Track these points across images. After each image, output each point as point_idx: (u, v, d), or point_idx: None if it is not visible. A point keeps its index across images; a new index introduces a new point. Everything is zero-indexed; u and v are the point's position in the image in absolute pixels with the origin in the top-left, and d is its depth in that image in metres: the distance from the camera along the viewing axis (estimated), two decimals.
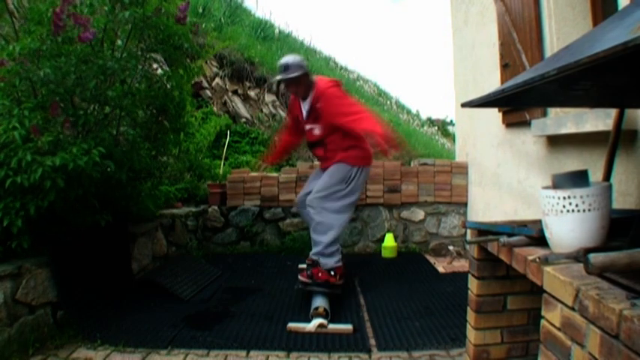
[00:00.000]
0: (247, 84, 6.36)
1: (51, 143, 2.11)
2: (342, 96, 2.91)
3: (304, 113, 2.97)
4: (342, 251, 3.12)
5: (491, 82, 3.28)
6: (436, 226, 4.24)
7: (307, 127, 2.99)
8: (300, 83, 2.87)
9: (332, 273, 2.79)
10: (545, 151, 2.64)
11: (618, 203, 1.85)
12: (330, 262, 2.82)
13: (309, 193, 2.99)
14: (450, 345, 2.26)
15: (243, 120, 5.91)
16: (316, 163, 4.22)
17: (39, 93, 2.30)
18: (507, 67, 2.98)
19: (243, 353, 2.20)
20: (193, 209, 4.07)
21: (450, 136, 10.39)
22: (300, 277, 2.80)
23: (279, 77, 2.88)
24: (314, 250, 2.86)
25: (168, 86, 2.96)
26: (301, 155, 5.65)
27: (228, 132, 5.38)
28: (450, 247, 4.12)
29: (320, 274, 2.76)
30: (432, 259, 3.92)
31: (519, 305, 1.80)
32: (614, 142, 1.73)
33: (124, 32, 2.63)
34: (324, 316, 2.49)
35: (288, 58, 2.87)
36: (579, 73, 0.90)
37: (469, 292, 1.86)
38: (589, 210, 1.21)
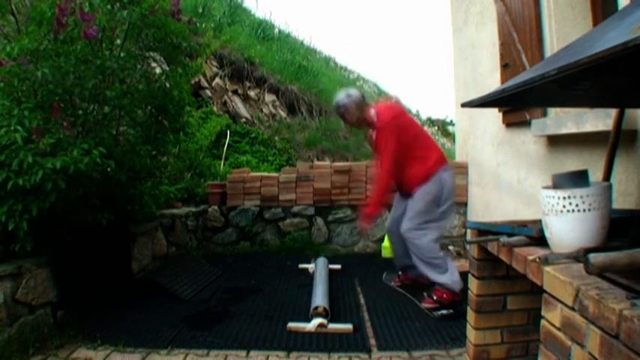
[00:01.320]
0: (247, 84, 6.36)
1: (52, 145, 2.11)
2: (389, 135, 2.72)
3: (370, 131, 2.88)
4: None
5: (491, 82, 3.28)
6: None
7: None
8: (346, 119, 2.89)
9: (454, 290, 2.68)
10: (545, 151, 2.64)
11: (618, 203, 1.85)
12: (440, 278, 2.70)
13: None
14: (450, 345, 2.26)
15: (243, 120, 5.91)
16: (316, 163, 4.24)
17: (39, 93, 2.30)
18: (507, 67, 2.98)
19: (243, 353, 2.20)
20: (193, 209, 4.07)
21: (450, 136, 10.38)
22: (425, 305, 2.72)
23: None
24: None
25: (167, 85, 2.96)
26: (301, 155, 5.66)
27: (228, 132, 5.39)
28: (450, 247, 4.12)
29: (445, 295, 2.68)
30: None
31: (519, 305, 1.80)
32: (614, 142, 1.73)
33: (122, 31, 2.63)
34: (324, 316, 2.49)
35: (338, 96, 2.89)
36: (579, 73, 0.90)
37: (469, 292, 1.86)
38: (589, 210, 1.21)
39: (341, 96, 2.88)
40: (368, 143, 3.15)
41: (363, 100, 2.85)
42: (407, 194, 2.83)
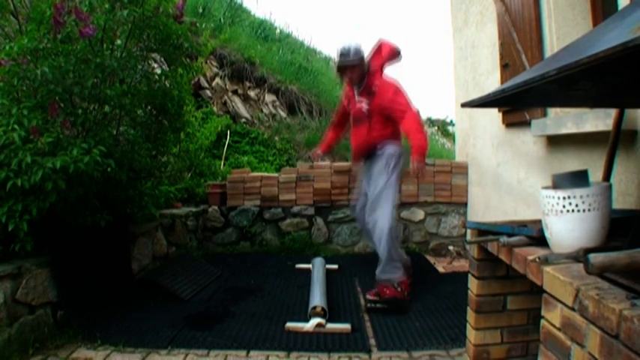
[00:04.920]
0: (247, 84, 6.36)
1: (51, 144, 2.11)
2: (400, 89, 2.99)
3: (356, 92, 3.07)
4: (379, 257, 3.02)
5: (491, 82, 3.29)
6: (436, 226, 4.24)
7: (357, 102, 3.07)
8: (355, 70, 2.99)
9: (398, 288, 2.77)
10: (545, 151, 2.64)
11: (618, 203, 1.85)
12: (393, 276, 2.82)
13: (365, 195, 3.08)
14: (450, 345, 2.26)
15: (243, 120, 5.91)
16: (316, 163, 4.21)
17: (39, 92, 2.30)
18: (507, 67, 2.98)
19: (243, 353, 2.20)
20: (193, 209, 4.07)
21: (450, 136, 10.39)
22: (368, 296, 2.80)
23: (338, 61, 3.01)
24: (377, 268, 2.89)
25: (167, 85, 2.96)
26: (301, 155, 5.66)
27: (228, 132, 5.39)
28: (450, 247, 4.12)
29: (387, 291, 2.75)
30: (432, 259, 3.92)
31: (519, 305, 1.80)
32: (614, 142, 1.73)
33: (123, 32, 2.63)
34: (322, 316, 2.49)
35: (350, 44, 3.01)
36: (579, 73, 0.90)
37: (469, 292, 1.86)
38: (589, 210, 1.21)
39: (357, 45, 3.00)
40: (344, 102, 3.27)
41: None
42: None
